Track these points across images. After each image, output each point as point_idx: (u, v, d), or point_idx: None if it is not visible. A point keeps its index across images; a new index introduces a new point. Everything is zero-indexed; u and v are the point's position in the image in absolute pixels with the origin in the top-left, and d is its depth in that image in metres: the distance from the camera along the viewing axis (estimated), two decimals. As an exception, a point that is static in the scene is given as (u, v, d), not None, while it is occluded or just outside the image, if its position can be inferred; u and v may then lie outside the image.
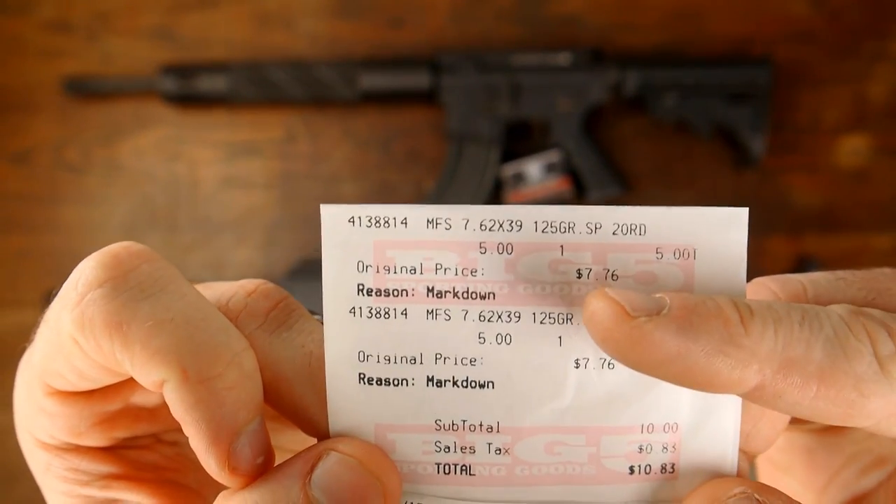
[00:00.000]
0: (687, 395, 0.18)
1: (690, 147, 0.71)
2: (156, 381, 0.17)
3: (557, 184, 0.68)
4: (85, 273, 0.18)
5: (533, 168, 0.68)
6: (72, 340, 0.18)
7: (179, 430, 0.20)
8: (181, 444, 0.23)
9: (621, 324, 0.15)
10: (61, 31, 0.73)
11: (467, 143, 0.69)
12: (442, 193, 0.70)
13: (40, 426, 0.20)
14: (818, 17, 0.70)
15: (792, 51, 0.70)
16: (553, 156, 0.68)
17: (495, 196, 0.70)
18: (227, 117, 0.73)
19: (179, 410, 0.17)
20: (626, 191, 0.69)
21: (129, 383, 0.21)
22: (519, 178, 0.69)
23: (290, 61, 0.70)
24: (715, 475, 0.18)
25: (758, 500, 0.16)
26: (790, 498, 0.17)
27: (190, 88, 0.69)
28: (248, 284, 0.20)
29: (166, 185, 0.73)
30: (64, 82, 0.71)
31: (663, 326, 0.15)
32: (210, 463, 0.17)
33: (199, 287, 0.19)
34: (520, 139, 0.70)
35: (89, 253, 0.19)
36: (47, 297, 0.20)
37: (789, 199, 0.70)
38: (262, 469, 0.18)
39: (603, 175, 0.68)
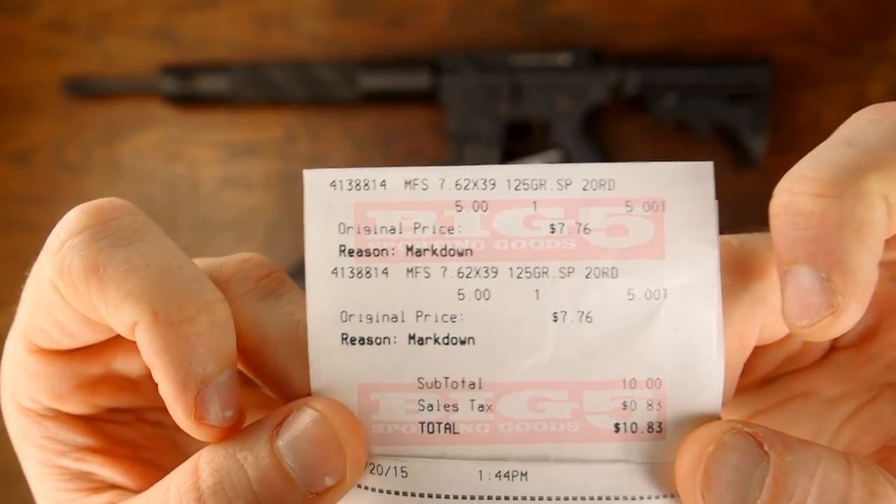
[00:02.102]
0: (670, 350, 0.18)
1: (690, 147, 0.71)
2: (128, 323, 0.17)
3: (557, 184, 0.68)
4: (68, 221, 0.19)
5: (533, 168, 0.68)
6: (52, 288, 0.18)
7: (161, 408, 0.20)
8: (163, 424, 0.23)
9: None
10: (61, 31, 0.73)
11: (467, 143, 0.69)
12: (442, 193, 0.70)
13: (22, 387, 0.20)
14: (818, 17, 0.70)
15: (792, 51, 0.70)
16: (553, 156, 0.68)
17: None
18: (227, 117, 0.73)
19: (149, 353, 0.17)
20: (626, 191, 0.69)
21: (110, 346, 0.21)
22: (519, 179, 0.69)
23: (290, 61, 0.70)
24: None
25: (746, 431, 0.17)
26: (770, 428, 0.17)
27: (190, 89, 0.69)
28: (244, 254, 0.20)
29: (166, 185, 0.73)
30: (64, 82, 0.71)
31: None
32: (177, 410, 0.17)
33: (195, 260, 0.20)
34: (520, 139, 0.70)
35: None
36: None
37: (789, 200, 0.70)
38: (231, 424, 0.18)
39: (603, 175, 0.68)
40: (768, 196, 0.17)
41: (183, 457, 0.19)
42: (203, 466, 0.18)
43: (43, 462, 0.21)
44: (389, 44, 0.72)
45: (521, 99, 0.68)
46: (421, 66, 0.69)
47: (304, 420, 0.18)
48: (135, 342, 0.18)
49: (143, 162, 0.73)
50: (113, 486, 0.21)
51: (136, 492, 0.20)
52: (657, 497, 0.18)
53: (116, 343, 0.21)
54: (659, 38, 0.71)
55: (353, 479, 0.18)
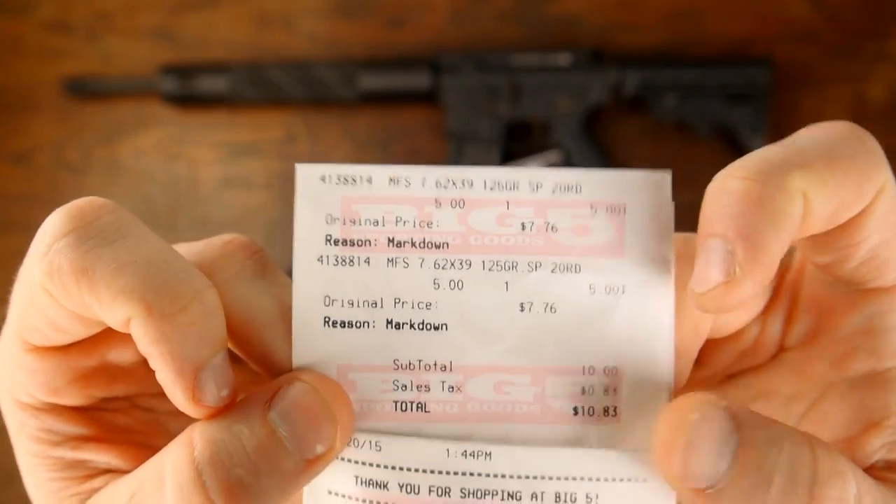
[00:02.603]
0: (626, 341, 0.20)
1: (690, 147, 0.71)
2: (122, 319, 0.18)
3: (557, 184, 0.68)
4: (51, 225, 0.19)
5: (533, 168, 0.68)
6: (43, 290, 0.19)
7: (154, 395, 0.21)
8: (155, 410, 0.24)
9: None
10: (61, 31, 0.73)
11: (467, 143, 0.69)
12: (442, 193, 0.70)
13: (19, 384, 0.21)
14: (818, 17, 0.70)
15: (792, 51, 0.70)
16: (553, 156, 0.68)
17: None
18: (227, 117, 0.73)
19: (146, 345, 0.18)
20: (626, 191, 0.69)
21: (104, 338, 0.22)
22: (519, 179, 0.69)
23: (290, 61, 0.70)
24: (652, 419, 0.19)
25: (722, 405, 0.18)
26: (741, 404, 0.18)
27: (190, 89, 0.69)
28: (226, 236, 0.21)
29: (166, 185, 0.73)
30: (64, 82, 0.71)
31: None
32: (176, 394, 0.18)
33: (178, 245, 0.21)
34: (520, 139, 0.70)
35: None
36: None
37: (789, 200, 0.70)
38: (226, 402, 0.19)
39: (603, 175, 0.68)
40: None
41: (172, 438, 0.20)
42: (198, 440, 0.18)
43: (37, 453, 0.22)
44: (389, 44, 0.72)
45: (521, 99, 0.68)
46: (421, 66, 0.69)
47: (295, 392, 0.19)
48: (128, 334, 0.19)
49: (143, 162, 0.73)
50: (107, 471, 0.22)
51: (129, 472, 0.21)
52: (612, 480, 0.19)
53: (109, 335, 0.21)
54: (659, 38, 0.71)
55: (341, 447, 0.19)
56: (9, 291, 0.21)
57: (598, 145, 0.69)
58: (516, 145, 0.70)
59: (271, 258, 0.21)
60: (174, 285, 0.18)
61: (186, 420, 0.19)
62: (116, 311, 0.18)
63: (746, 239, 0.17)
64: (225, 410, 0.19)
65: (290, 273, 0.21)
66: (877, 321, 0.20)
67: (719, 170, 0.19)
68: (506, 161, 0.69)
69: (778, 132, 0.69)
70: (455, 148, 0.69)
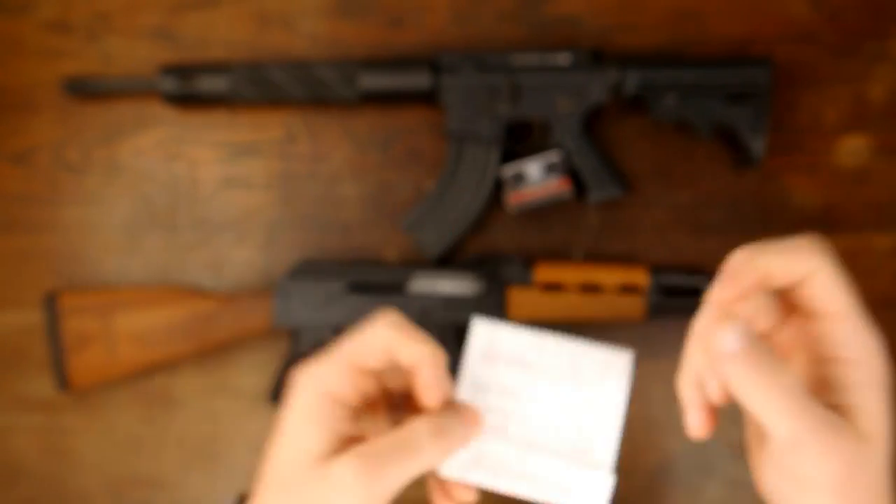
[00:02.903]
0: (595, 421, 0.43)
1: (690, 147, 0.71)
2: (417, 358, 0.40)
3: (558, 184, 0.68)
4: (390, 314, 0.41)
5: (533, 168, 0.68)
6: (379, 338, 0.40)
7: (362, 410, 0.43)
8: (364, 413, 0.43)
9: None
10: (61, 31, 0.73)
11: (467, 143, 0.69)
12: (442, 194, 0.70)
13: (334, 384, 0.40)
14: (818, 17, 0.70)
15: (792, 51, 0.70)
16: (553, 156, 0.68)
17: (495, 196, 0.70)
18: (227, 117, 0.73)
19: (415, 362, 0.40)
20: (627, 191, 0.69)
21: (377, 372, 0.42)
22: (519, 179, 0.69)
23: (290, 61, 0.70)
24: (608, 457, 0.42)
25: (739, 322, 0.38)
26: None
27: (190, 88, 0.69)
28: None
29: (166, 185, 0.73)
30: (64, 82, 0.71)
31: None
32: (431, 393, 0.40)
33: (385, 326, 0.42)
34: (520, 139, 0.70)
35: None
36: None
37: (789, 199, 0.70)
38: (444, 403, 0.41)
39: (603, 175, 0.68)
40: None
41: (358, 428, 0.42)
42: (437, 418, 0.40)
43: (318, 422, 0.39)
44: (389, 44, 0.72)
45: (521, 99, 0.68)
46: (421, 66, 0.69)
47: (464, 409, 0.41)
48: (381, 372, 0.42)
49: (143, 162, 0.73)
50: (352, 439, 0.40)
51: (363, 440, 0.40)
52: (581, 482, 0.42)
53: (380, 371, 0.42)
54: (659, 38, 0.71)
55: (472, 437, 0.42)
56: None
57: (598, 145, 0.69)
58: (516, 145, 0.70)
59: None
60: (439, 348, 0.41)
61: (373, 424, 0.42)
62: (420, 352, 0.40)
63: (734, 272, 0.38)
64: (442, 408, 0.41)
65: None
66: (810, 327, 0.39)
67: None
68: (506, 161, 0.69)
69: (778, 132, 0.69)
70: (455, 148, 0.69)
